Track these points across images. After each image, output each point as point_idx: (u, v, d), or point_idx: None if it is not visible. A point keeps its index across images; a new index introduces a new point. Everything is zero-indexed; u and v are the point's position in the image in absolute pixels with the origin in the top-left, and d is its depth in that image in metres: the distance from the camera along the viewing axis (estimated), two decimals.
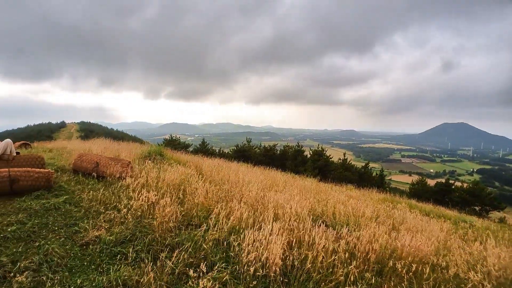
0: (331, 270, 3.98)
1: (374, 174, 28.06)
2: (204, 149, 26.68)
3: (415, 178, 28.93)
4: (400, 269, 4.17)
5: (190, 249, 3.87)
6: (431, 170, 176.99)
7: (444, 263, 5.02)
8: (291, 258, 3.96)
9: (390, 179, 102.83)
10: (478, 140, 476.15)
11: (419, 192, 23.30)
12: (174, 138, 28.07)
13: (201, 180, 7.41)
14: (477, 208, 21.99)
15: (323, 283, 3.69)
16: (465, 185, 24.10)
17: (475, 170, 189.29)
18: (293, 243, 4.51)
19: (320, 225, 5.13)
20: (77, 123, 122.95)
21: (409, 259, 4.61)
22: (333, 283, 3.69)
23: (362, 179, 24.57)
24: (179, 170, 8.18)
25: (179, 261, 3.55)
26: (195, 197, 5.88)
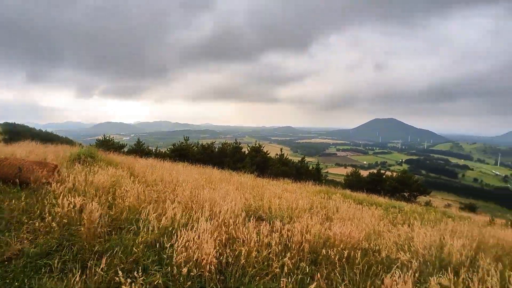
0: (266, 263, 4.00)
1: (310, 167, 28.79)
2: (139, 149, 25.68)
3: (349, 170, 30.20)
4: (333, 256, 4.28)
5: (120, 254, 3.67)
6: (365, 162, 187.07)
7: (376, 247, 5.21)
8: (225, 255, 3.91)
9: (327, 172, 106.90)
10: (406, 134, 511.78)
11: (353, 183, 24.38)
12: (107, 138, 26.67)
13: (133, 181, 7.16)
14: (406, 194, 23.48)
15: (257, 277, 3.69)
16: (394, 174, 25.69)
17: (403, 161, 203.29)
18: (228, 240, 4.46)
19: (253, 220, 5.13)
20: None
21: (341, 246, 4.76)
22: (269, 276, 3.74)
23: (299, 173, 25.10)
24: (109, 172, 7.72)
25: (110, 267, 3.37)
26: (125, 199, 5.62)
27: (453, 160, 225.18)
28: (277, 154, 27.55)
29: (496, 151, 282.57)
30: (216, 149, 27.85)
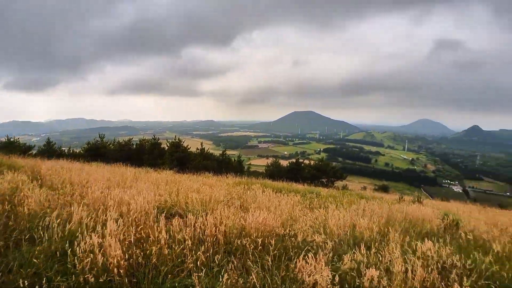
0: (181, 259, 3.92)
1: (233, 160, 28.82)
2: (50, 151, 23.61)
3: (271, 160, 30.75)
4: (248, 245, 4.27)
5: (20, 269, 3.27)
6: (285, 153, 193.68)
7: (292, 232, 5.24)
8: (134, 256, 3.70)
9: (249, 164, 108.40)
10: (323, 125, 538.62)
11: (274, 173, 24.85)
12: (11, 140, 24.01)
13: (37, 186, 6.54)
14: (324, 180, 24.61)
15: (170, 275, 3.61)
16: (312, 162, 26.76)
17: (322, 150, 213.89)
18: (139, 239, 4.28)
19: (164, 217, 4.93)
20: None
21: (256, 234, 4.75)
22: (184, 272, 3.71)
23: (221, 166, 24.98)
24: (7, 178, 6.82)
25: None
26: (26, 206, 5.00)
27: (367, 148, 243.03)
28: (197, 149, 27.08)
29: (404, 139, 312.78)
30: (134, 146, 26.62)
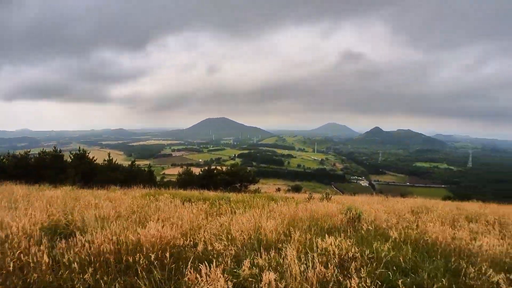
0: (66, 285, 3.59)
1: (144, 170, 27.50)
2: None
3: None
4: (141, 261, 3.99)
5: None
6: (200, 160, 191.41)
7: (193, 242, 4.99)
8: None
9: (163, 174, 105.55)
10: (237, 131, 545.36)
11: (186, 181, 24.25)
12: None
13: None
14: (237, 185, 24.60)
15: None
16: (224, 168, 26.64)
17: (236, 155, 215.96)
18: (20, 267, 3.81)
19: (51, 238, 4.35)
20: None
21: (152, 249, 4.36)
22: None
23: (131, 177, 23.70)
24: None
25: None
26: None
27: (279, 151, 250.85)
28: (105, 160, 25.38)
29: (313, 141, 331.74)
30: (33, 160, 24.00)
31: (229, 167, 26.09)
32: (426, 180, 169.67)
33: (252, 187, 26.21)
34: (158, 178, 29.58)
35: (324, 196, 14.72)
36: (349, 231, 6.24)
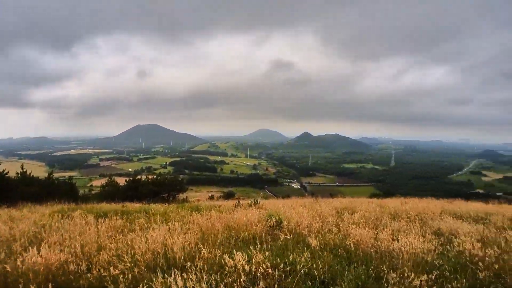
0: None
1: (67, 182, 25.27)
2: None
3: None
4: None
5: None
6: (130, 169, 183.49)
7: (87, 267, 4.40)
8: None
9: (91, 185, 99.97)
10: (168, 138, 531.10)
11: (110, 193, 22.79)
12: None
13: None
14: (165, 195, 23.69)
15: None
16: (150, 177, 25.51)
17: (168, 163, 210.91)
18: None
19: None
20: None
21: (37, 277, 3.72)
22: None
23: (49, 191, 21.71)
24: None
25: None
26: None
27: (212, 158, 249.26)
28: (17, 173, 22.97)
29: (245, 147, 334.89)
30: None
31: (155, 177, 24.98)
32: (353, 180, 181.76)
33: (182, 195, 25.46)
34: (85, 191, 27.23)
35: (253, 202, 14.59)
36: (267, 241, 6.00)
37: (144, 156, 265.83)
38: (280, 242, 5.96)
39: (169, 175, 25.14)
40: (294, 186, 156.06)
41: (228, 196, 37.11)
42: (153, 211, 11.06)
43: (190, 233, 5.95)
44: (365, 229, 6.58)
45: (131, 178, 24.64)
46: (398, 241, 5.49)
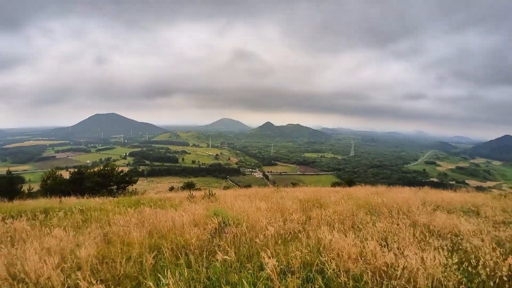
0: None
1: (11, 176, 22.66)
2: None
3: (65, 172, 25.42)
4: None
5: None
6: (88, 161, 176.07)
7: None
8: None
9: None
10: (127, 128, 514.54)
11: (53, 187, 20.61)
12: None
13: None
14: (114, 188, 21.80)
15: None
16: (96, 169, 23.37)
17: (128, 154, 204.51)
18: None
19: None
20: None
21: None
22: None
23: None
24: None
25: None
26: None
27: (173, 148, 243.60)
28: None
29: (207, 137, 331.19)
30: None
31: (102, 168, 22.81)
32: (314, 169, 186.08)
33: (132, 187, 23.64)
34: (31, 186, 24.29)
35: (208, 193, 13.29)
36: (202, 257, 4.33)
37: (103, 147, 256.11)
38: (217, 265, 4.07)
39: (112, 166, 22.87)
40: (256, 175, 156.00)
41: (188, 187, 35.56)
42: (90, 206, 9.60)
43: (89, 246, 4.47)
44: (343, 233, 5.14)
45: (76, 170, 22.41)
46: (391, 252, 4.10)
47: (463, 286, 3.40)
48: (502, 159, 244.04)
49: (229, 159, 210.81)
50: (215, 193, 13.46)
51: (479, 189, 37.91)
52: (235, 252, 4.37)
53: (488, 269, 3.73)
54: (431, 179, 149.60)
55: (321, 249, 4.57)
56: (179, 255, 4.49)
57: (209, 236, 5.35)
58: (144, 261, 4.16)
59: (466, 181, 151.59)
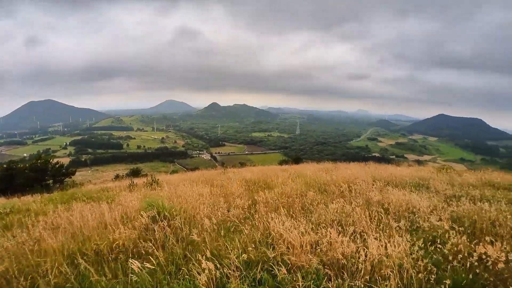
0: None
1: None
2: None
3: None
4: None
5: None
6: (25, 155, 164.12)
7: None
8: None
9: None
10: (66, 115, 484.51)
11: None
12: None
13: None
14: (50, 182, 20.14)
15: None
16: (28, 163, 21.42)
17: (68, 143, 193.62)
18: None
19: None
20: None
21: None
22: None
23: None
24: None
25: None
26: None
27: (117, 133, 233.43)
28: None
29: (152, 120, 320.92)
30: None
31: (34, 161, 20.84)
32: (262, 148, 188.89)
33: (70, 179, 22.02)
34: None
35: (151, 180, 12.57)
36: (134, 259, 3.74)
37: (40, 138, 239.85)
38: (142, 274, 3.26)
39: (40, 160, 20.83)
40: (204, 157, 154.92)
41: (134, 173, 34.05)
42: (14, 207, 8.61)
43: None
44: (293, 218, 4.65)
45: (4, 166, 20.31)
46: (350, 239, 3.66)
47: (434, 276, 3.07)
48: (437, 135, 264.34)
49: (175, 142, 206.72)
50: (158, 179, 12.77)
51: (417, 162, 40.34)
52: (169, 252, 3.82)
53: (459, 256, 3.48)
54: (373, 154, 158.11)
55: (269, 241, 4.03)
56: (103, 261, 3.86)
57: (143, 231, 4.69)
58: (51, 276, 3.42)
59: (405, 155, 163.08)
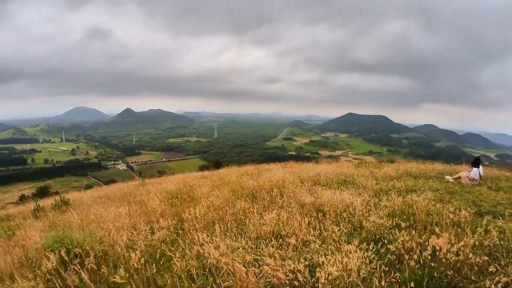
0: None
1: None
2: None
3: None
4: None
5: None
6: None
7: None
8: None
9: None
10: None
11: None
12: None
13: None
14: None
15: None
16: None
17: None
18: None
19: None
20: None
21: None
22: None
23: None
24: None
25: None
26: None
27: (19, 147, 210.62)
28: None
29: (60, 130, 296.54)
30: None
31: None
32: (180, 154, 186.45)
33: None
34: None
35: (60, 202, 11.13)
36: None
37: None
38: None
39: None
40: (120, 168, 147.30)
41: (42, 193, 30.00)
42: None
43: None
44: (228, 237, 4.18)
45: None
46: (295, 256, 3.38)
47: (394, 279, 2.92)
48: (347, 132, 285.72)
49: (87, 153, 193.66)
50: (68, 199, 11.39)
51: (331, 157, 42.77)
52: None
53: (414, 256, 3.29)
54: (290, 152, 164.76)
55: (207, 270, 3.47)
56: None
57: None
58: None
59: (319, 152, 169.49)
